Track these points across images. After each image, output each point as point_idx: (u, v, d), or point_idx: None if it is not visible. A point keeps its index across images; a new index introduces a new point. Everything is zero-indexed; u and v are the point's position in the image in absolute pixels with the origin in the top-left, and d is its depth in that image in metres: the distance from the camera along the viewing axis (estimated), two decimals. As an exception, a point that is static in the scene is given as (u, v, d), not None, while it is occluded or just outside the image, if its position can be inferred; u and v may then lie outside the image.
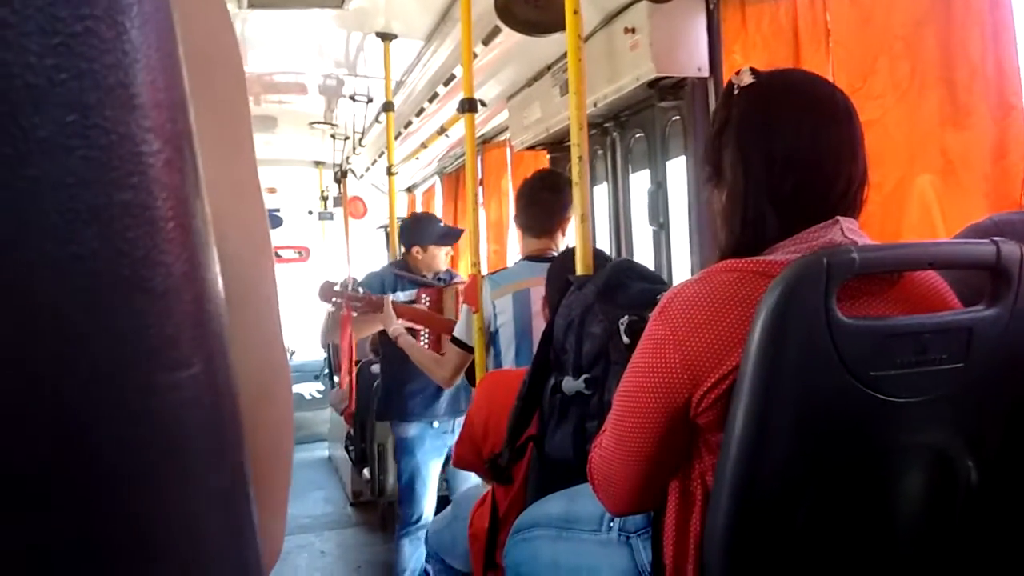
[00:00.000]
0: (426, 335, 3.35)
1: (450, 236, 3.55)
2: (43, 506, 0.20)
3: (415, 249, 3.55)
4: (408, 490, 3.50)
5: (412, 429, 3.45)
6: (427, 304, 3.43)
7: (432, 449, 3.48)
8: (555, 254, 2.69)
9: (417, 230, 3.59)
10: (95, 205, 0.20)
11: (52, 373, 0.20)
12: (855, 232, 1.19)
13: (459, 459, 2.29)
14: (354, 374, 4.41)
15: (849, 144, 1.22)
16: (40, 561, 0.20)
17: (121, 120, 0.21)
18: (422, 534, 3.48)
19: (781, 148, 1.20)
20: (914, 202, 1.97)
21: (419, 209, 7.35)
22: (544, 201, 2.74)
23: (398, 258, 3.64)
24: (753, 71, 1.27)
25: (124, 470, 0.21)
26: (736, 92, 1.27)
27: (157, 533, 0.22)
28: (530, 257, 2.75)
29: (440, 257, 3.53)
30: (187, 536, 0.23)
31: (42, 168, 0.19)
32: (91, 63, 0.20)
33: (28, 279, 0.19)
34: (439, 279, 3.56)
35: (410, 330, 3.27)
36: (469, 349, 2.85)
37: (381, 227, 6.72)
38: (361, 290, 3.46)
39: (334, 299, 3.48)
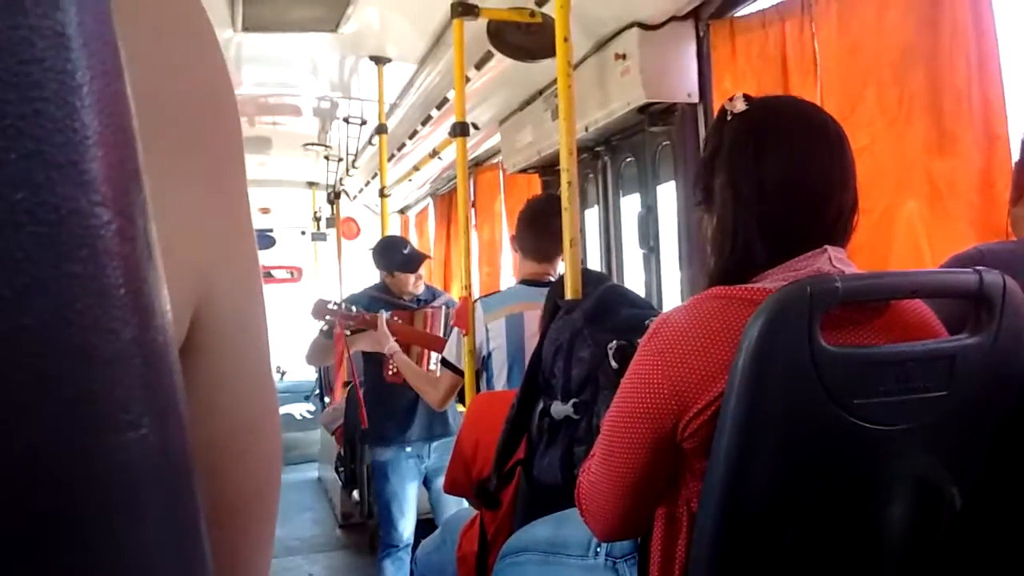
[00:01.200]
0: None
1: (410, 263, 3.52)
2: None
3: (383, 274, 3.57)
4: (386, 513, 3.50)
5: (386, 453, 3.46)
6: None
7: (407, 472, 3.47)
8: (552, 279, 2.61)
9: (382, 257, 3.58)
10: (44, 278, 0.20)
11: None
12: (843, 261, 1.20)
13: (451, 483, 2.25)
14: (346, 393, 4.39)
15: (840, 172, 1.23)
16: None
17: (70, 196, 0.21)
18: (404, 555, 3.47)
19: (771, 175, 1.21)
20: (902, 229, 1.98)
21: (412, 231, 7.36)
22: (554, 228, 2.61)
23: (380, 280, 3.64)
24: (746, 97, 1.27)
25: (70, 528, 0.21)
26: (729, 118, 1.27)
27: None
28: (526, 281, 2.69)
29: (409, 281, 3.52)
30: None
31: None
32: (40, 143, 0.20)
33: None
34: (419, 300, 3.56)
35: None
36: (461, 372, 2.84)
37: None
38: (355, 308, 3.45)
39: (327, 317, 3.48)
